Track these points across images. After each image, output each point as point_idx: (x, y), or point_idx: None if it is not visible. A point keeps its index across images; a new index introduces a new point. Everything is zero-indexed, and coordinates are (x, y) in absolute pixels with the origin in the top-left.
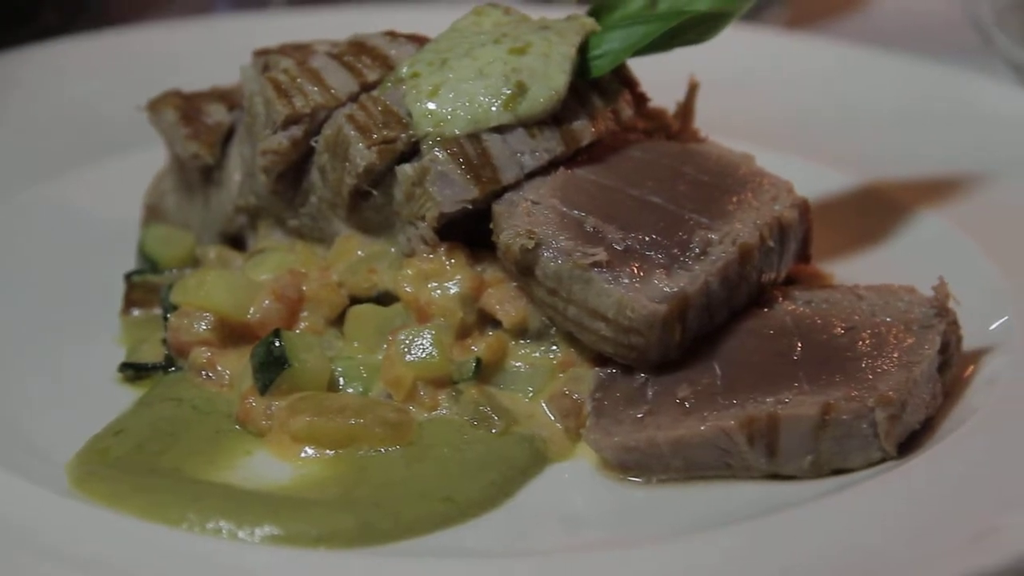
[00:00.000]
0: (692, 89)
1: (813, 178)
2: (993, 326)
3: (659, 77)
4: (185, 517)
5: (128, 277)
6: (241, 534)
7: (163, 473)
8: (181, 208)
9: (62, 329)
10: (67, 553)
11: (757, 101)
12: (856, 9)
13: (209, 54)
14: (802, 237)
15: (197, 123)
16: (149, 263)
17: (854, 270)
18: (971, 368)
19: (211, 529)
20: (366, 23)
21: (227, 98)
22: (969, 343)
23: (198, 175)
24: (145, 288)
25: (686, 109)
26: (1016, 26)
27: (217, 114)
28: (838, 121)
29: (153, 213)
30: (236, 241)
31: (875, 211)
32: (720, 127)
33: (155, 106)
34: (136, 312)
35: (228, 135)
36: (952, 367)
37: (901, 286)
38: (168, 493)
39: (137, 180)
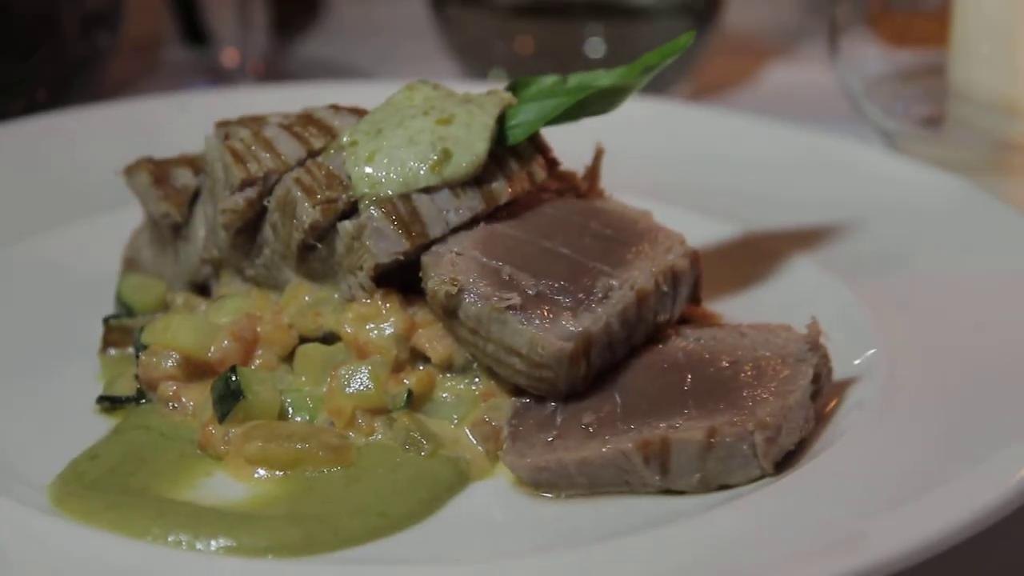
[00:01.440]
0: (598, 154)
1: (704, 229)
2: (860, 358)
3: (571, 145)
4: (150, 531)
5: (106, 321)
6: (199, 545)
7: (132, 492)
8: (155, 260)
9: (47, 367)
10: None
11: (657, 163)
12: (749, 83)
13: (181, 125)
14: (693, 283)
15: (167, 186)
16: (125, 308)
17: (739, 309)
18: (840, 395)
19: (172, 541)
20: (318, 97)
21: (193, 163)
22: (840, 373)
23: (169, 231)
24: (121, 330)
25: (593, 171)
26: (883, 97)
27: (184, 178)
28: (726, 180)
29: (131, 264)
30: (203, 288)
31: (758, 258)
32: (625, 186)
33: (130, 171)
34: (113, 351)
35: (194, 196)
36: (823, 395)
37: (779, 324)
38: (135, 509)
39: (117, 236)
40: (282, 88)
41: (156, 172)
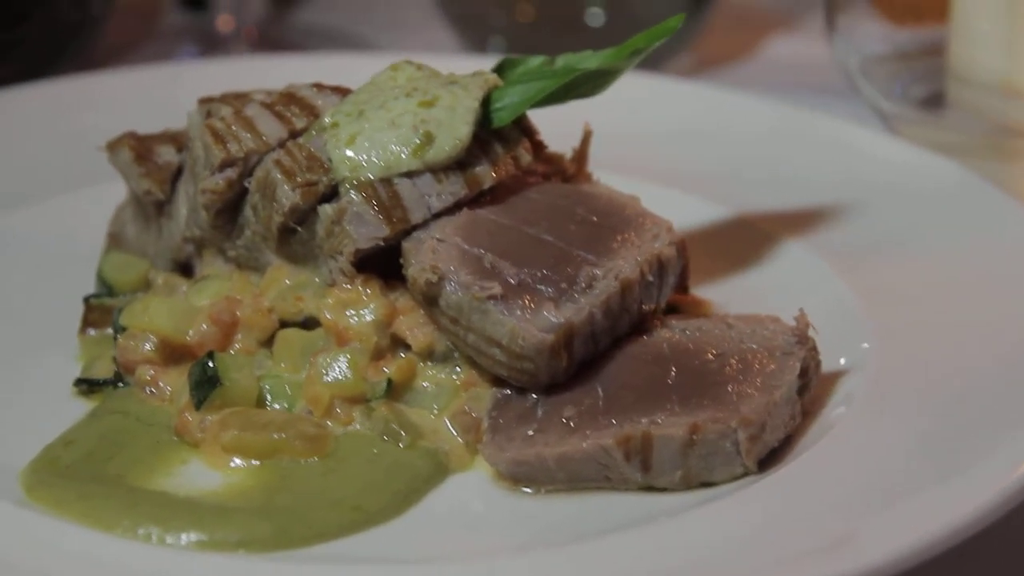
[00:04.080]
0: (586, 136)
1: (695, 211)
2: (850, 351)
3: (560, 126)
4: (120, 523)
5: (86, 300)
6: (169, 539)
7: (106, 481)
8: (139, 236)
9: (26, 347)
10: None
11: (649, 141)
12: (749, 57)
13: (168, 98)
14: (680, 271)
15: (149, 162)
16: (106, 287)
17: (729, 295)
18: (829, 390)
19: (142, 535)
20: (309, 67)
21: (177, 140)
22: (828, 366)
23: (152, 208)
24: (101, 310)
25: (580, 154)
26: (881, 77)
27: (167, 154)
28: (718, 159)
29: (115, 241)
30: (186, 267)
31: (749, 241)
32: (615, 166)
33: (113, 146)
34: (92, 332)
35: (177, 173)
36: (811, 389)
37: (767, 316)
38: (106, 500)
39: (105, 211)
40: (275, 58)
41: (138, 148)
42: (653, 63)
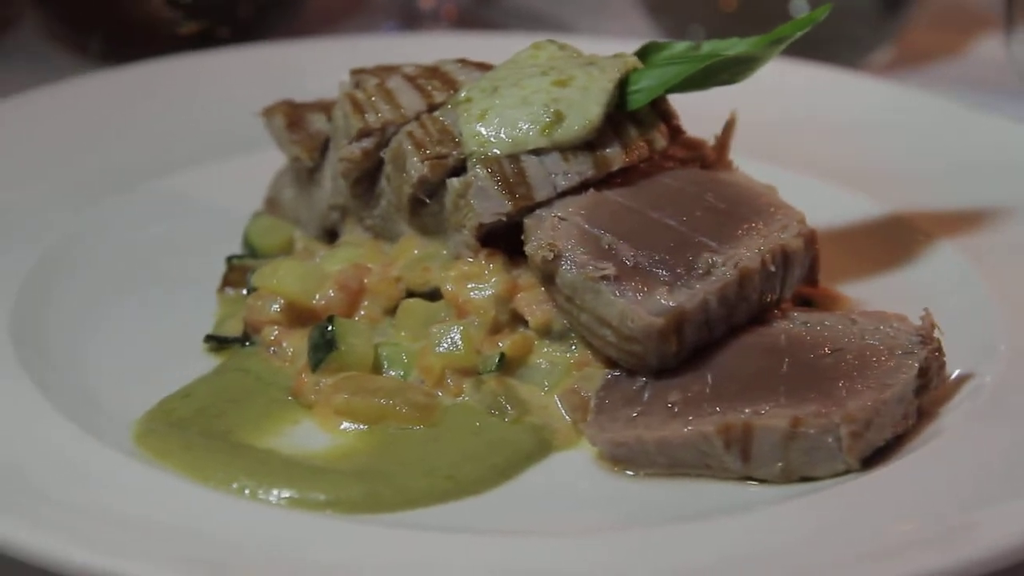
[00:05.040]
0: (729, 124)
1: (850, 206)
2: (984, 356)
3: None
4: (215, 475)
5: (229, 260)
6: (260, 494)
7: (213, 435)
8: (295, 201)
9: (168, 301)
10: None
11: (815, 135)
12: (957, 54)
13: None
14: (809, 264)
15: (301, 130)
16: (250, 249)
17: (870, 292)
18: (954, 392)
19: (235, 488)
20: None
21: (328, 109)
22: (960, 368)
23: (306, 174)
24: (242, 271)
25: (722, 141)
26: None
27: (319, 123)
28: (880, 155)
29: (272, 204)
30: (333, 234)
31: (901, 239)
32: (772, 157)
33: (268, 113)
34: (230, 291)
35: (327, 141)
36: (931, 390)
37: (894, 314)
38: (207, 452)
39: (265, 176)
40: (464, 36)
41: (292, 115)
42: (852, 57)
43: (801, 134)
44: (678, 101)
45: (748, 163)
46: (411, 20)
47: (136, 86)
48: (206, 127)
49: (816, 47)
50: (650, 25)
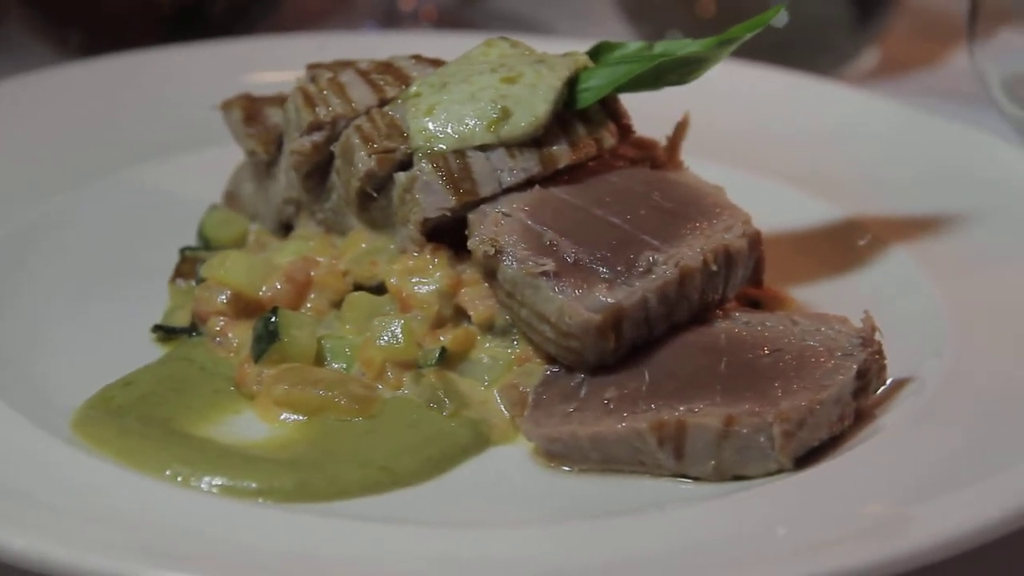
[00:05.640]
0: (681, 124)
1: (809, 210)
2: (924, 362)
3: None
4: (149, 462)
5: (182, 251)
6: (192, 482)
7: (150, 422)
8: (253, 195)
9: (119, 292)
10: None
11: (776, 140)
12: (937, 64)
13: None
14: (753, 265)
15: (258, 123)
16: (204, 241)
17: (818, 295)
18: (894, 395)
19: (168, 475)
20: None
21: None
22: (904, 372)
23: (263, 168)
24: (194, 262)
25: (673, 141)
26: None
27: (275, 116)
28: (841, 160)
29: (231, 199)
30: (288, 228)
31: (855, 244)
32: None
33: (227, 106)
34: (181, 283)
35: (283, 136)
36: (870, 393)
37: (835, 316)
38: (142, 439)
39: (226, 170)
40: (438, 36)
41: (249, 109)
42: (830, 65)
43: (764, 139)
44: (643, 103)
45: (709, 166)
46: (391, 20)
47: (101, 80)
48: (174, 120)
49: (794, 55)
50: (629, 29)
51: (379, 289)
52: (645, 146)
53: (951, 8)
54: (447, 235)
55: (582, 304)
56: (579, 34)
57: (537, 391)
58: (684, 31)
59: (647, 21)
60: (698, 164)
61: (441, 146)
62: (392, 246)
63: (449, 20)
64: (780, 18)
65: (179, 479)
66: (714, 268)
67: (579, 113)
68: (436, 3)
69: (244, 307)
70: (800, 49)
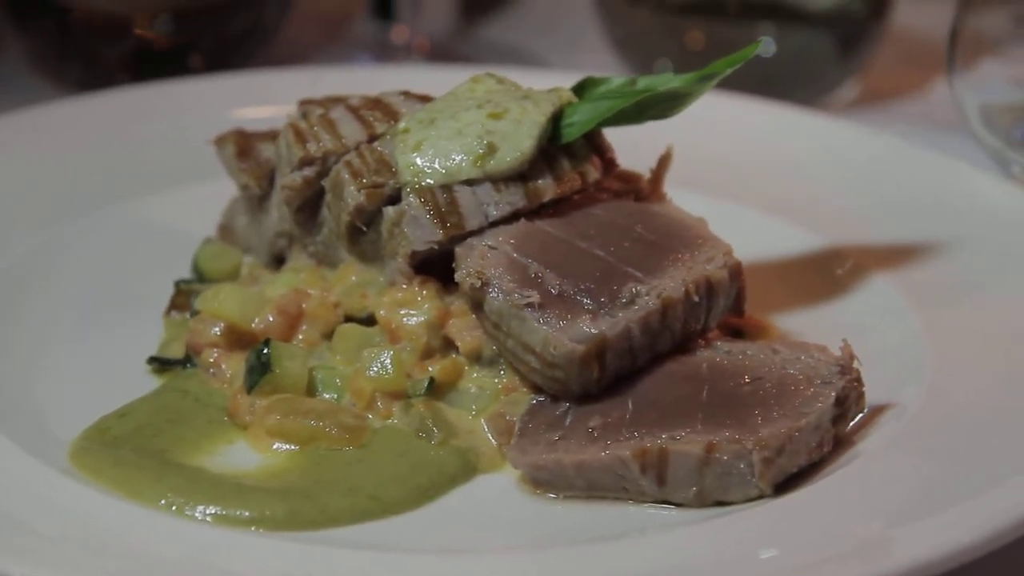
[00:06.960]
0: (664, 157)
1: (786, 238)
2: (904, 389)
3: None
4: (144, 492)
5: (177, 284)
6: (187, 511)
7: (146, 453)
8: (247, 228)
9: (116, 324)
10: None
11: (759, 169)
12: (922, 92)
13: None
14: (735, 295)
15: (251, 158)
16: (198, 274)
17: (800, 324)
18: (873, 422)
19: (163, 505)
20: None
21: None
22: (883, 399)
23: (256, 202)
24: (188, 295)
25: (657, 174)
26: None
27: (268, 151)
28: (823, 190)
29: (225, 232)
30: (281, 261)
31: (837, 273)
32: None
33: (220, 141)
34: (176, 315)
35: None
36: (849, 420)
37: (815, 344)
38: (138, 470)
39: (220, 203)
40: (432, 69)
41: (242, 144)
42: (814, 95)
43: (746, 168)
44: (627, 134)
45: (693, 196)
46: (384, 53)
47: (97, 115)
48: (168, 155)
49: (779, 85)
50: (619, 61)
51: (369, 321)
52: (629, 179)
53: (933, 37)
54: (435, 268)
55: (566, 335)
56: (570, 66)
57: (523, 420)
58: (674, 61)
59: (637, 52)
60: (682, 194)
61: (429, 181)
62: (382, 279)
63: (442, 52)
64: (768, 48)
65: (174, 508)
66: (696, 299)
67: (564, 147)
68: (429, 35)
69: (237, 339)
70: (784, 80)
